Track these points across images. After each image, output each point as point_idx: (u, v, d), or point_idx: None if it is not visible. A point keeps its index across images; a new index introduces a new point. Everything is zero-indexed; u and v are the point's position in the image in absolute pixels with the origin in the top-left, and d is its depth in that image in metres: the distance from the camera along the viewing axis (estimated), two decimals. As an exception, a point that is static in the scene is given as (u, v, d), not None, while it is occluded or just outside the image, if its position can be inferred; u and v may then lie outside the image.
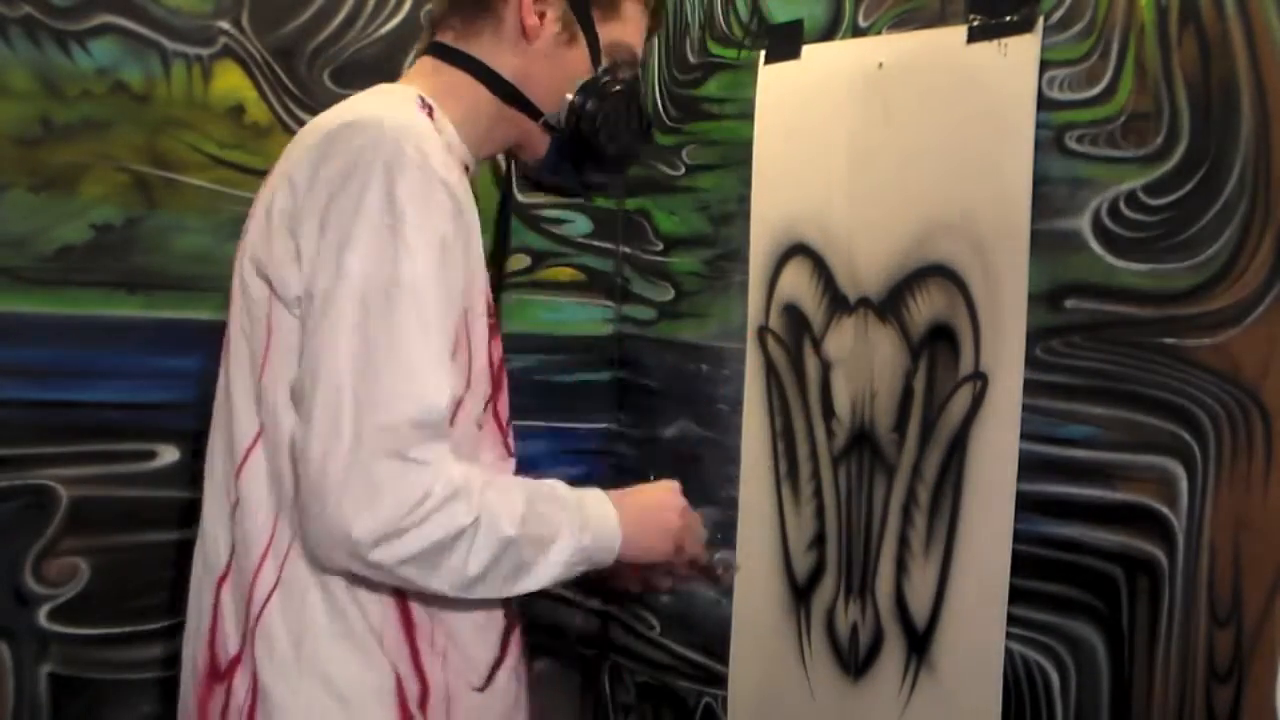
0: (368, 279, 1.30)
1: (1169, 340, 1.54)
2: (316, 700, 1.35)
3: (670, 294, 2.28)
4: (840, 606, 1.91)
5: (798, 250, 1.98)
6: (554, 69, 1.53)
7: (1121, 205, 1.59)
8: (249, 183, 1.97)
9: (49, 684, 1.86)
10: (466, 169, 1.50)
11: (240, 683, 1.38)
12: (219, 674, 1.41)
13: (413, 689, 1.38)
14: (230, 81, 1.96)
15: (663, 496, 1.58)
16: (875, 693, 1.85)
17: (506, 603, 1.49)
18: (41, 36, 1.82)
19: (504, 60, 1.52)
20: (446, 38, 1.55)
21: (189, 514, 1.94)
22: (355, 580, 1.36)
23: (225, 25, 1.95)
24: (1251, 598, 1.45)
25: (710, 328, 2.19)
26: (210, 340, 1.96)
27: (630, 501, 1.51)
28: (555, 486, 1.45)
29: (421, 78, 1.54)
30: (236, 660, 1.39)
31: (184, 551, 1.94)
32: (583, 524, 1.43)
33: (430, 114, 1.45)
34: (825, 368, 1.94)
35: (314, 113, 2.05)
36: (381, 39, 2.08)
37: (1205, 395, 1.50)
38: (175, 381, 1.93)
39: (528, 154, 1.59)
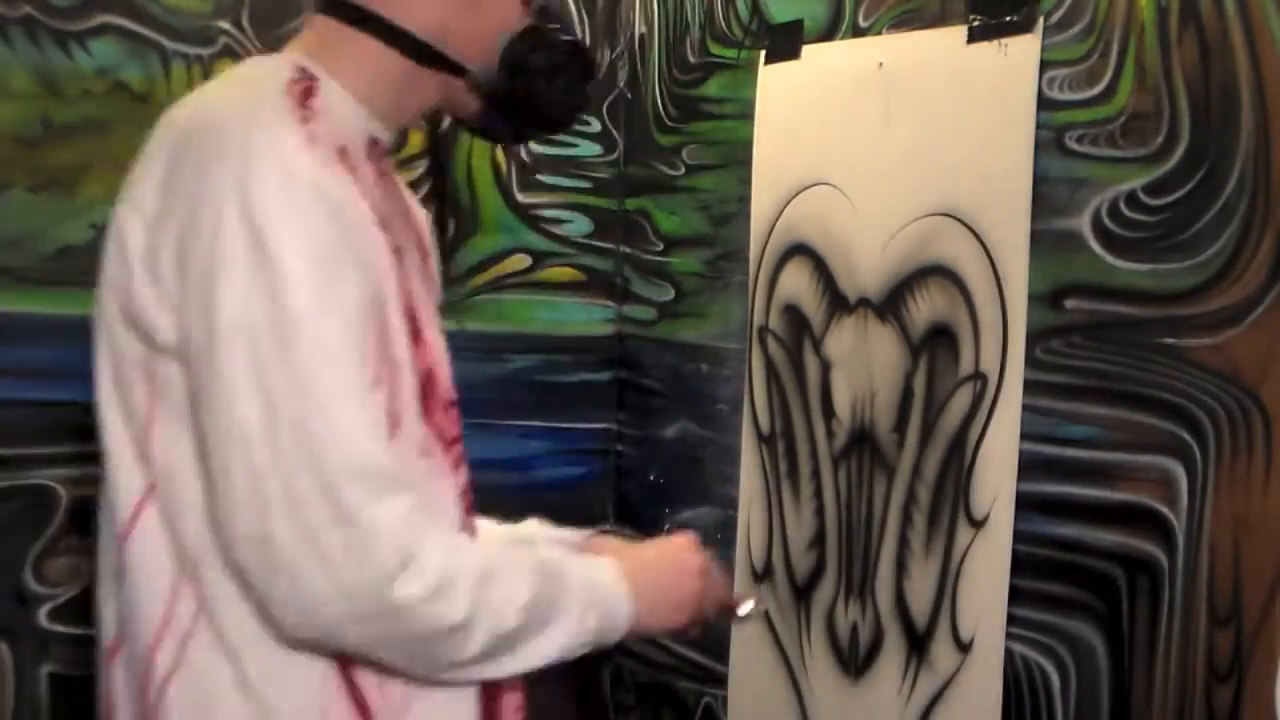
0: (248, 322, 1.12)
1: (1169, 340, 1.54)
2: None
3: (670, 294, 2.27)
4: (840, 606, 1.91)
5: (798, 250, 1.98)
6: (477, 17, 1.29)
7: (1121, 205, 1.59)
8: (249, 183, 1.97)
9: (49, 684, 1.86)
10: (375, 142, 1.29)
11: None
12: None
13: None
14: (230, 81, 1.96)
15: (680, 560, 1.41)
16: (875, 693, 1.85)
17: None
18: (41, 36, 1.82)
19: (415, 13, 1.27)
20: None
21: (189, 514, 1.94)
22: (278, 660, 1.19)
23: (225, 25, 1.95)
24: (1251, 598, 1.45)
25: (710, 328, 2.19)
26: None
27: (647, 575, 1.35)
28: (563, 564, 1.29)
29: (311, 42, 1.29)
30: None
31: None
32: (589, 603, 1.27)
33: (310, 89, 1.22)
34: (825, 368, 1.94)
35: (314, 113, 2.07)
36: (381, 39, 2.08)
37: (1205, 395, 1.50)
38: (175, 381, 1.93)
39: (455, 111, 1.37)
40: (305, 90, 1.21)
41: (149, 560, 1.21)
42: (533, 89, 1.32)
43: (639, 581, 1.32)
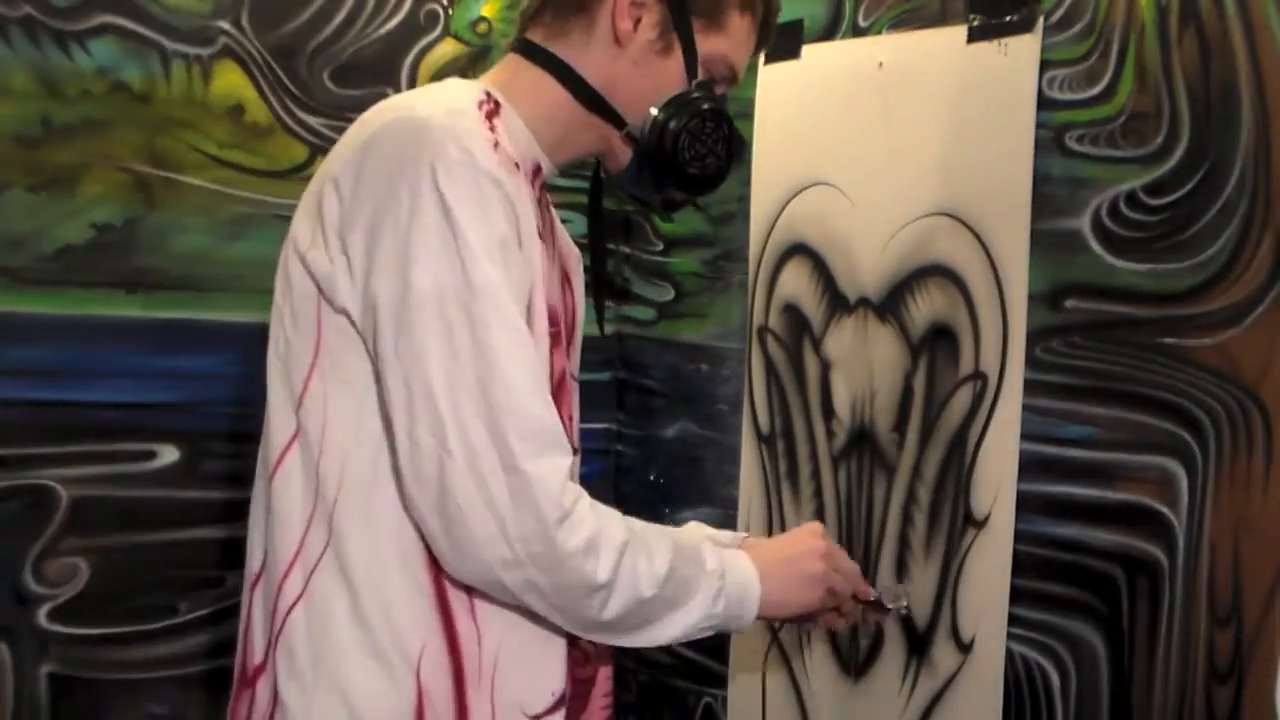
0: (439, 290, 1.26)
1: (1169, 340, 1.54)
2: (331, 716, 1.30)
3: (670, 294, 2.27)
4: (840, 606, 1.91)
5: (798, 250, 1.98)
6: (644, 78, 1.44)
7: (1121, 205, 1.59)
8: (249, 183, 1.98)
9: (49, 684, 1.86)
10: (539, 170, 1.45)
11: (263, 692, 1.34)
12: (246, 680, 1.38)
13: (444, 714, 1.32)
14: (230, 81, 1.96)
15: (804, 544, 1.52)
16: (875, 693, 1.85)
17: (581, 641, 1.44)
18: (41, 36, 1.82)
19: (591, 64, 1.43)
20: (535, 35, 1.46)
21: (189, 514, 1.95)
22: (390, 596, 1.32)
23: (225, 25, 1.95)
24: (1251, 598, 1.45)
25: (710, 328, 2.19)
26: (210, 340, 1.97)
27: (772, 561, 1.47)
28: (700, 548, 1.41)
29: (500, 73, 1.47)
30: (260, 669, 1.35)
31: (184, 551, 1.95)
32: (719, 591, 1.39)
33: (495, 110, 1.39)
34: (825, 368, 1.94)
35: (314, 113, 2.07)
36: (381, 39, 2.08)
37: (1205, 395, 1.50)
38: (175, 381, 1.93)
39: (610, 163, 1.51)
40: (491, 111, 1.38)
41: (288, 498, 1.34)
42: (677, 148, 1.44)
43: (765, 566, 1.45)
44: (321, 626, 1.32)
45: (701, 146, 1.46)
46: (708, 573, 1.39)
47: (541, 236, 1.39)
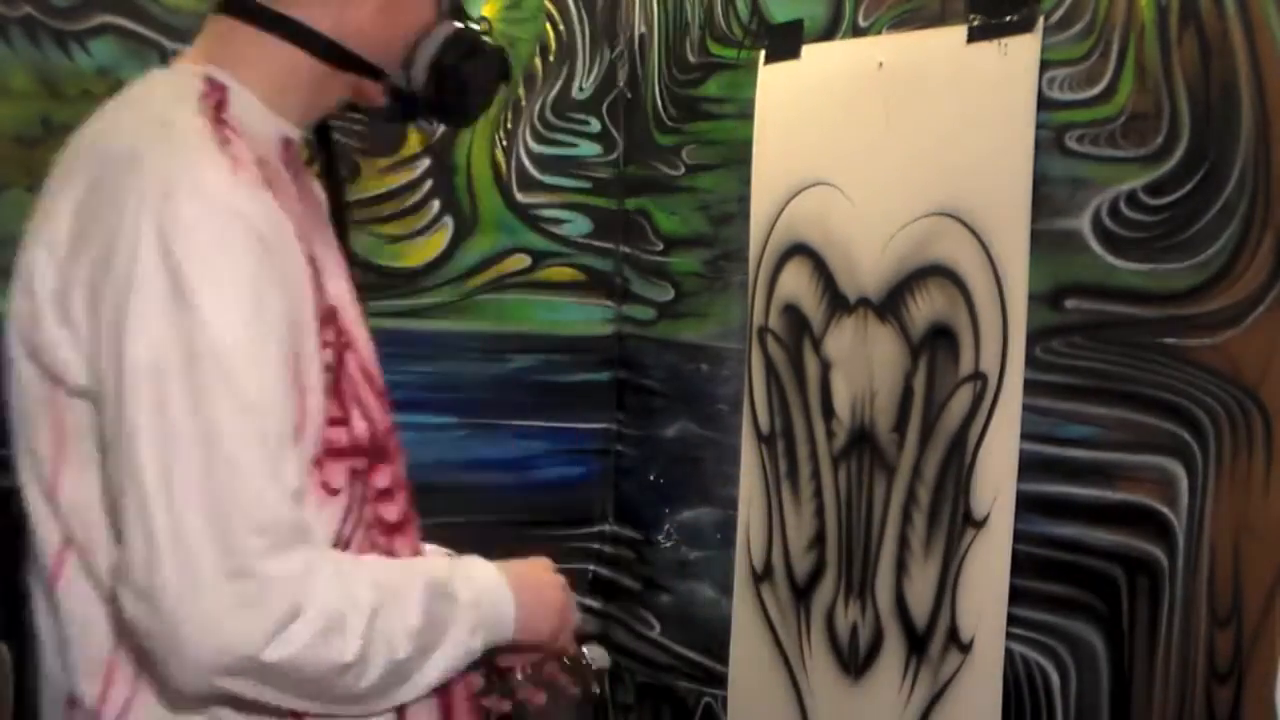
0: (156, 362, 1.07)
1: (1169, 340, 1.54)
2: None
3: (670, 294, 2.27)
4: (840, 606, 1.91)
5: (798, 250, 1.98)
6: (391, 19, 1.27)
7: (1121, 205, 1.59)
8: (249, 183, 1.97)
9: (49, 684, 1.85)
10: (289, 144, 1.28)
11: None
12: None
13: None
14: (230, 81, 1.96)
15: (544, 575, 1.40)
16: (875, 693, 1.85)
17: None
18: (41, 36, 1.82)
19: (328, 16, 1.23)
20: None
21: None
22: (228, 708, 1.16)
23: (225, 25, 1.95)
24: (1251, 598, 1.45)
25: (710, 328, 2.19)
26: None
27: (524, 585, 1.33)
28: (453, 579, 1.26)
29: (214, 47, 1.24)
30: None
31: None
32: (476, 624, 1.26)
33: (222, 99, 1.20)
34: (825, 368, 1.94)
35: (313, 113, 2.07)
36: (381, 39, 2.08)
37: (1205, 395, 1.50)
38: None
39: (363, 102, 1.34)
40: (217, 105, 1.19)
41: (83, 611, 1.17)
42: (461, 94, 1.32)
43: (520, 589, 1.32)
44: None
45: (475, 81, 1.33)
46: (462, 605, 1.25)
47: (303, 221, 1.24)
